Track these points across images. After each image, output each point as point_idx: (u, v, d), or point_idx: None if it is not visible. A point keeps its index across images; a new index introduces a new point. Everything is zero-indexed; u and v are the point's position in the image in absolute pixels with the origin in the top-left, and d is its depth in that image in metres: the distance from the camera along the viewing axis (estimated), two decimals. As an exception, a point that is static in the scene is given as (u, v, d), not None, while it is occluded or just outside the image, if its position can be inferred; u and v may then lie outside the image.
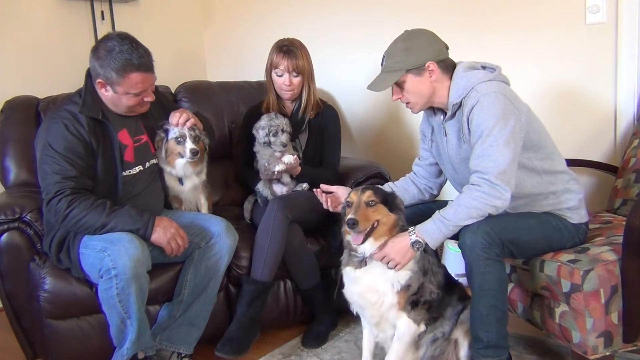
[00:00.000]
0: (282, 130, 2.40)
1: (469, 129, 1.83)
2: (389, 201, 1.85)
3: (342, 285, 1.95)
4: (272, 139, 2.39)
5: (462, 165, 1.94)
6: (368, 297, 1.85)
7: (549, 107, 2.54)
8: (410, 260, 1.83)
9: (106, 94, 2.04)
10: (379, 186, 1.98)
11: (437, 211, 1.84)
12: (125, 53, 1.95)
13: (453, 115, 1.91)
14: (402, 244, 1.82)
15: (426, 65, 1.86)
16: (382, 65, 1.94)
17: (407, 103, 1.96)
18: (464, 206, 1.78)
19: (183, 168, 2.27)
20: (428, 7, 2.86)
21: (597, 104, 2.51)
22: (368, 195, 1.83)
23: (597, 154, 2.53)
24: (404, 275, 1.83)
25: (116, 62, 1.95)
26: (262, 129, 2.41)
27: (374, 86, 1.93)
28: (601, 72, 2.48)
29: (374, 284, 1.84)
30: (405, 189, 2.18)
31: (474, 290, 1.79)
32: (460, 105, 1.87)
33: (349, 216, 1.78)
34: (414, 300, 1.83)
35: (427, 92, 1.90)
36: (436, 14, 2.81)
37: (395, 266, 1.80)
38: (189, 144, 2.20)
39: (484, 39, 2.73)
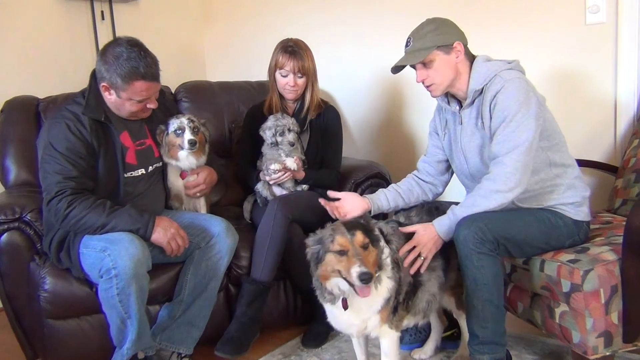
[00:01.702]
0: (289, 130, 2.39)
1: (490, 114, 1.87)
2: (370, 234, 1.69)
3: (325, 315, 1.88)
4: (279, 139, 2.38)
5: (474, 154, 1.97)
6: (351, 330, 1.84)
7: (549, 107, 2.53)
8: (438, 249, 1.85)
9: (110, 97, 2.05)
10: (366, 220, 1.77)
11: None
12: (133, 60, 1.95)
13: (472, 102, 1.94)
14: (432, 233, 1.85)
15: (455, 44, 1.91)
16: (406, 47, 1.96)
17: (430, 85, 1.97)
18: (472, 196, 1.85)
19: (187, 159, 2.27)
20: (426, 7, 2.85)
21: (597, 104, 2.51)
22: (361, 239, 1.64)
23: (597, 154, 2.53)
24: (381, 299, 1.74)
25: (123, 69, 1.95)
26: (268, 129, 2.41)
27: (404, 61, 1.95)
28: (601, 72, 2.48)
29: (354, 318, 1.77)
30: (410, 189, 2.18)
31: (467, 285, 1.79)
32: (481, 92, 1.90)
33: (360, 269, 1.56)
34: (394, 307, 1.80)
35: (451, 73, 1.94)
36: (434, 15, 2.80)
37: (427, 256, 1.82)
38: (187, 135, 2.22)
39: (482, 39, 2.71)
